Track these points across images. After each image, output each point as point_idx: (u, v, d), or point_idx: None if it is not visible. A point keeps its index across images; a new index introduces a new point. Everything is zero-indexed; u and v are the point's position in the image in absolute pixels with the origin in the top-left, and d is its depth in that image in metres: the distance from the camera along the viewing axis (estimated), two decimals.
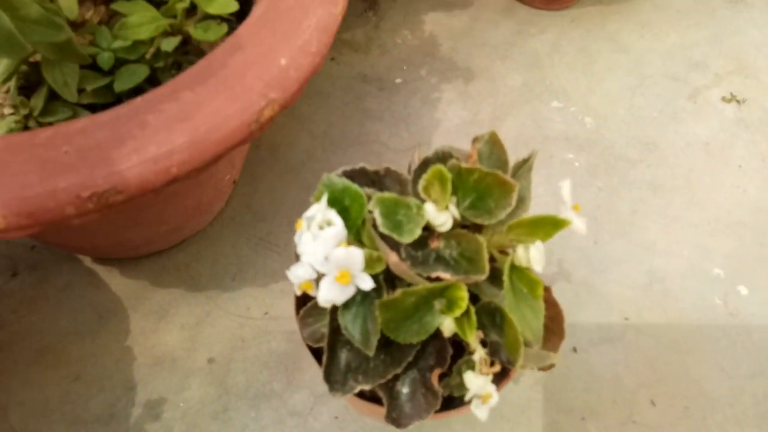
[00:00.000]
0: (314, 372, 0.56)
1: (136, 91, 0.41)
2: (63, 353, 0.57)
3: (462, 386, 0.40)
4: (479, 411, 0.31)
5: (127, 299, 0.60)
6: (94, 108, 0.43)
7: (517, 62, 0.80)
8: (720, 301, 0.61)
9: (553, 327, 0.38)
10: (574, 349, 0.58)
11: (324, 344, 0.35)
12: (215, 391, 0.55)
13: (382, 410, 0.41)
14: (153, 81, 0.44)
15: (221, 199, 0.61)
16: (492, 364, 0.32)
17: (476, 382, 0.31)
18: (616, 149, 0.73)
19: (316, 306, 0.42)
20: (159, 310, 0.60)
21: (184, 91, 0.35)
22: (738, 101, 0.77)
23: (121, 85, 0.42)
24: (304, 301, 0.45)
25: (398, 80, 0.79)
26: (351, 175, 0.37)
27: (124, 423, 0.54)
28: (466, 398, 0.31)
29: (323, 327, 0.42)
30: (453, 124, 0.75)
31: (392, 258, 0.30)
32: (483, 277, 0.31)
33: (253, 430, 0.53)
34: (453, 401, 0.41)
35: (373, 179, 0.38)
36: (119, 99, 0.43)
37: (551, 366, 0.35)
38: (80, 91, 0.43)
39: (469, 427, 0.54)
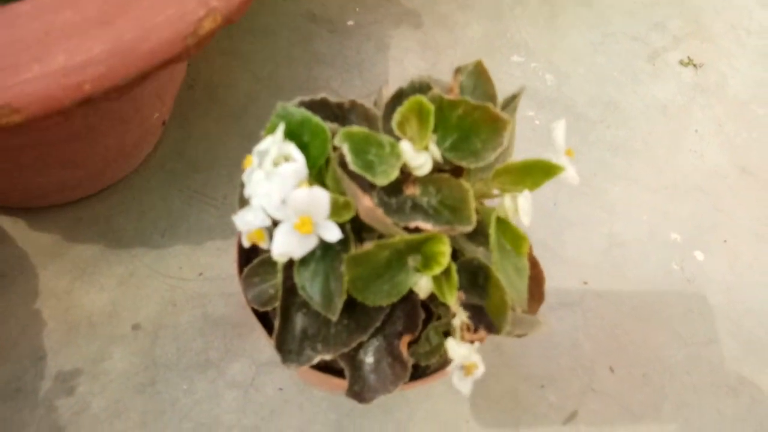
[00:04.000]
0: (256, 339, 0.51)
1: None
2: None
3: (430, 354, 0.35)
4: (463, 384, 0.26)
5: (35, 255, 0.52)
6: None
7: (479, 12, 0.75)
8: (677, 266, 0.60)
9: (533, 289, 0.34)
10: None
11: (276, 307, 0.30)
12: (141, 361, 0.49)
13: (337, 382, 0.36)
14: None
15: (149, 141, 0.53)
16: (476, 329, 0.28)
17: (459, 351, 0.26)
18: (577, 108, 0.70)
19: (263, 263, 0.37)
20: (74, 269, 0.52)
21: None
22: (695, 65, 0.76)
23: None
24: (247, 257, 0.39)
25: (350, 23, 0.72)
26: (310, 106, 0.31)
27: (32, 398, 0.46)
28: (449, 369, 0.27)
29: (271, 288, 0.36)
30: (409, 73, 0.69)
31: (365, 202, 0.25)
32: (470, 228, 0.27)
33: (186, 405, 0.47)
34: (417, 370, 0.37)
35: (336, 114, 0.32)
36: None
37: (533, 331, 0.32)
38: None
39: (424, 396, 0.50)
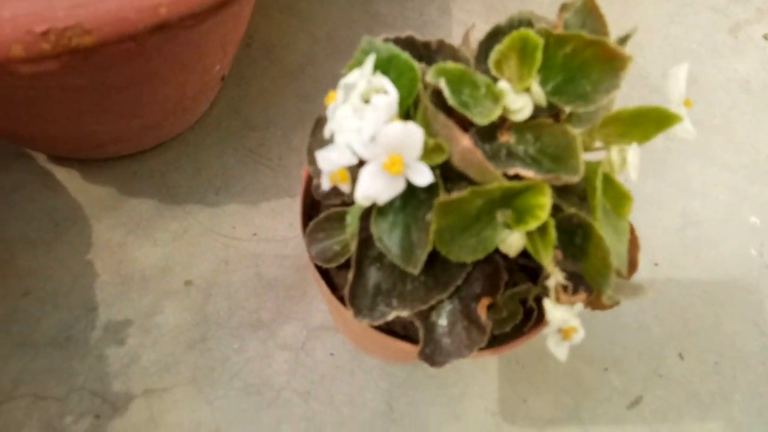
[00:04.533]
0: (308, 303, 0.49)
1: None
2: (10, 264, 0.48)
3: (504, 322, 0.33)
4: (559, 349, 0.24)
5: (89, 207, 0.51)
6: None
7: None
8: (755, 251, 0.56)
9: (631, 254, 0.31)
10: None
11: (351, 258, 0.28)
12: (192, 317, 0.47)
13: (402, 345, 0.34)
14: None
15: (207, 96, 0.52)
16: (575, 291, 0.25)
17: (557, 313, 0.24)
18: (651, 80, 0.65)
19: (329, 218, 0.35)
20: (128, 222, 0.51)
21: None
22: None
23: None
24: (309, 216, 0.37)
25: None
26: (395, 44, 0.28)
27: (83, 347, 0.46)
28: (545, 332, 0.24)
29: (336, 244, 0.34)
30: (474, 39, 0.66)
31: (464, 142, 0.22)
32: (577, 178, 0.24)
33: (236, 363, 0.46)
34: (494, 338, 0.34)
35: (422, 54, 0.29)
36: None
37: (638, 296, 0.29)
38: None
39: (479, 371, 0.48)
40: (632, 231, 0.31)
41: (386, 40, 0.29)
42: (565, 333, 0.23)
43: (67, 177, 0.52)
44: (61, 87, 0.35)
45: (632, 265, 0.31)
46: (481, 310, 0.29)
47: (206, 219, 0.52)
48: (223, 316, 0.48)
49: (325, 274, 0.36)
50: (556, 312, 0.24)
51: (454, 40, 0.66)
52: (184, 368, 0.45)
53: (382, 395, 0.46)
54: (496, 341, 0.34)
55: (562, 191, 0.28)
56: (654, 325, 0.52)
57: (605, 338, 0.51)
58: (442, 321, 0.30)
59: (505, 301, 0.32)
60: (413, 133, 0.22)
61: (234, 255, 0.50)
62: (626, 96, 0.63)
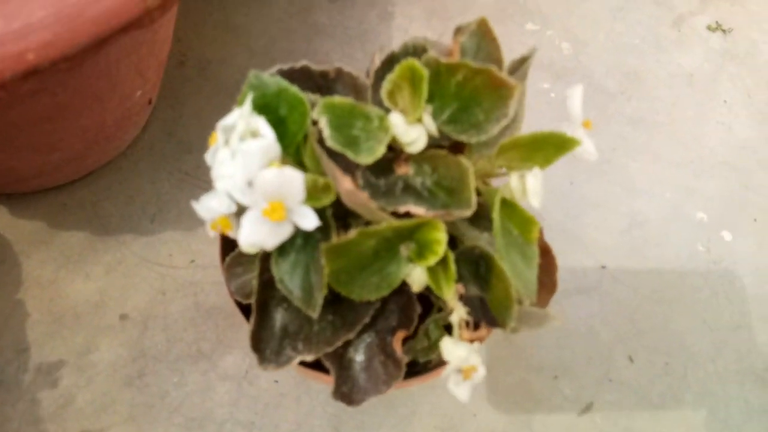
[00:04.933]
0: None
1: None
2: None
3: (429, 350, 0.32)
4: (460, 390, 0.23)
5: (18, 243, 0.49)
6: None
7: None
8: (703, 247, 0.56)
9: (544, 278, 0.30)
10: None
11: (252, 302, 0.27)
12: (129, 352, 0.46)
13: (327, 378, 0.33)
14: None
15: (134, 122, 0.50)
16: (476, 326, 0.24)
17: (457, 352, 0.23)
18: (595, 79, 0.65)
19: (244, 253, 0.33)
20: (59, 257, 0.49)
21: None
22: (724, 30, 0.70)
23: None
24: (231, 245, 0.36)
25: None
26: (289, 75, 0.27)
27: (15, 391, 0.44)
28: (444, 374, 0.24)
29: (255, 278, 0.33)
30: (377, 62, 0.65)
31: (345, 184, 0.21)
32: (468, 212, 0.23)
33: (175, 398, 0.45)
34: (415, 366, 0.33)
35: (320, 84, 0.28)
36: None
37: (542, 327, 0.28)
38: None
39: (428, 390, 0.47)
40: (548, 253, 0.30)
41: (280, 71, 0.28)
42: (465, 372, 0.23)
43: None
44: None
45: (550, 288, 0.30)
46: (396, 343, 0.28)
47: (141, 248, 0.50)
48: (161, 350, 0.46)
49: (249, 309, 0.34)
50: (456, 351, 0.23)
51: (395, 47, 0.65)
52: (122, 407, 0.44)
53: (330, 420, 0.45)
54: (427, 368, 0.34)
55: (474, 218, 0.27)
56: (603, 328, 0.51)
57: (554, 345, 0.50)
58: (359, 356, 0.29)
59: (425, 331, 0.31)
60: (291, 179, 0.21)
61: (171, 284, 0.49)
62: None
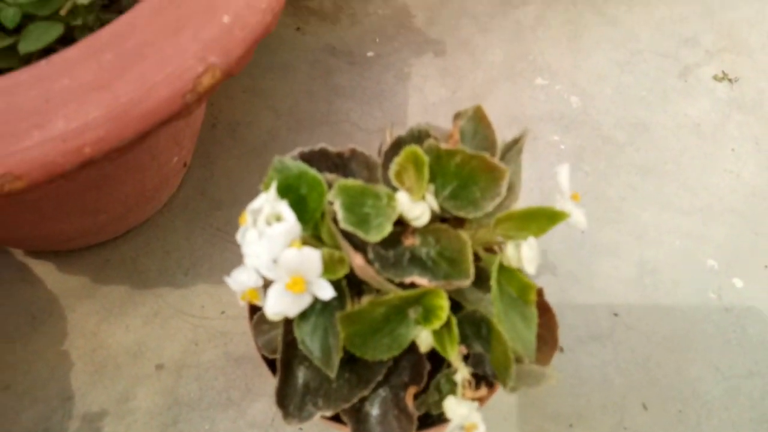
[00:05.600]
0: None
1: (48, 53, 0.34)
2: None
3: (440, 403, 0.34)
4: None
5: (64, 297, 0.54)
6: None
7: (499, 35, 0.75)
8: (714, 294, 0.57)
9: (545, 335, 0.33)
10: (561, 349, 0.54)
11: (277, 359, 0.30)
12: (164, 400, 0.49)
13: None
14: (68, 42, 0.37)
15: (170, 184, 0.54)
16: (477, 386, 0.27)
17: (459, 410, 0.25)
18: (603, 130, 0.68)
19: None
20: (101, 310, 0.53)
21: (102, 52, 0.29)
22: (730, 80, 0.73)
23: (28, 45, 0.34)
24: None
25: (370, 54, 0.72)
26: (309, 157, 0.31)
27: None
28: (448, 430, 0.26)
29: (279, 339, 0.36)
30: (430, 102, 0.69)
31: (357, 260, 0.24)
32: (467, 282, 0.26)
33: None
34: (429, 417, 0.36)
35: (337, 163, 0.32)
36: (28, 63, 0.36)
37: (540, 385, 0.30)
38: None
39: None
40: (548, 311, 0.33)
41: (301, 154, 0.31)
42: (467, 430, 0.25)
43: (43, 270, 0.55)
44: (17, 203, 0.38)
45: (552, 344, 0.33)
46: (408, 398, 0.31)
47: (175, 301, 0.54)
48: (194, 398, 0.49)
49: (275, 363, 0.37)
50: (458, 409, 0.25)
51: (410, 107, 0.70)
52: None
53: None
54: (438, 421, 0.36)
55: (477, 282, 0.30)
56: (616, 376, 0.53)
57: (568, 393, 0.52)
58: (375, 411, 0.32)
59: (437, 385, 0.33)
60: (310, 258, 0.24)
61: (203, 335, 0.52)
62: (580, 147, 0.66)
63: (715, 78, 0.73)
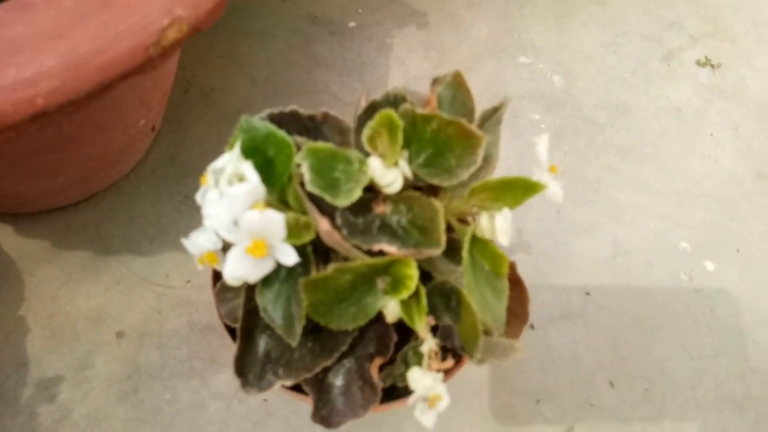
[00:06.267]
0: None
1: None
2: None
3: (406, 376, 0.34)
4: (425, 417, 0.25)
5: (22, 261, 0.51)
6: None
7: (485, 11, 0.73)
8: (685, 276, 0.57)
9: (516, 309, 0.32)
10: (531, 326, 0.53)
11: (237, 327, 0.28)
12: (124, 369, 0.48)
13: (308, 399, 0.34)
14: None
15: (138, 148, 0.52)
16: (444, 357, 0.26)
17: (423, 381, 0.24)
18: (584, 111, 0.67)
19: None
20: (61, 275, 0.51)
21: None
22: (713, 65, 0.72)
23: None
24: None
25: (352, 24, 0.70)
26: (279, 119, 0.30)
27: (13, 405, 0.46)
28: (410, 402, 0.25)
29: (240, 306, 0.35)
30: (411, 75, 0.67)
31: (323, 225, 0.23)
32: (438, 251, 0.25)
33: (168, 414, 0.46)
34: (395, 390, 0.35)
35: (308, 126, 0.30)
36: None
37: (508, 358, 0.30)
38: None
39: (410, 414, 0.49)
40: (519, 285, 0.32)
41: (270, 116, 0.30)
42: (430, 401, 0.24)
43: (0, 232, 0.52)
44: None
45: (522, 318, 0.32)
46: (374, 370, 0.30)
47: (140, 268, 0.52)
48: (155, 367, 0.48)
49: (236, 332, 0.36)
50: (422, 380, 0.24)
51: (392, 79, 0.68)
52: (115, 422, 0.46)
53: None
54: (404, 393, 0.35)
55: (449, 253, 0.29)
56: (586, 354, 0.53)
57: (537, 369, 0.52)
58: (339, 381, 0.31)
59: (403, 357, 0.32)
60: (272, 220, 0.23)
61: (167, 303, 0.51)
62: (560, 127, 0.65)
63: (698, 63, 0.73)
